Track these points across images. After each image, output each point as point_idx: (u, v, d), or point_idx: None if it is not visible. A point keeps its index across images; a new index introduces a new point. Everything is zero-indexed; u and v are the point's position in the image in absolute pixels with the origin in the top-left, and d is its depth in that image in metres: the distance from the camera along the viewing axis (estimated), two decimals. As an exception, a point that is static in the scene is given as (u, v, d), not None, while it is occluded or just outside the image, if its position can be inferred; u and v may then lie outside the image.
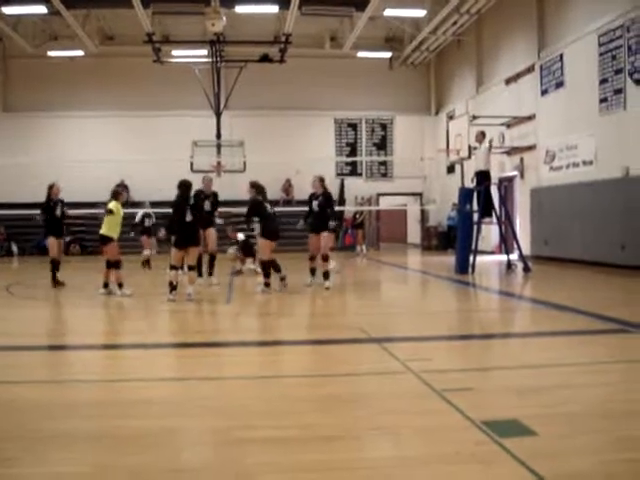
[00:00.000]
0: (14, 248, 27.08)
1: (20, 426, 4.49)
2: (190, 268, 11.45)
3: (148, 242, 18.70)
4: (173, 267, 11.19)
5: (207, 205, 13.62)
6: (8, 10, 21.72)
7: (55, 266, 13.67)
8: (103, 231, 12.19)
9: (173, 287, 11.01)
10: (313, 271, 13.32)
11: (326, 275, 12.86)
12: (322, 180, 13.29)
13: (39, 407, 4.96)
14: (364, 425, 4.49)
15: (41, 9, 21.63)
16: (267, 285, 12.28)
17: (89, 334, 8.40)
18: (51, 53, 26.94)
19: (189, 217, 11.27)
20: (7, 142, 27.57)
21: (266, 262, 12.37)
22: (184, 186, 11.48)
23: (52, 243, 13.84)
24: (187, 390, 5.53)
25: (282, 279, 12.62)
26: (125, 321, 10.03)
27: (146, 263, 18.03)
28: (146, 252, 18.34)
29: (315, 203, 13.06)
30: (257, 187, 12.66)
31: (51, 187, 14.05)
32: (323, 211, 13.01)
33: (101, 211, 13.70)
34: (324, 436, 4.19)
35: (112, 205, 12.18)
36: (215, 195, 14.34)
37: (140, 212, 19.22)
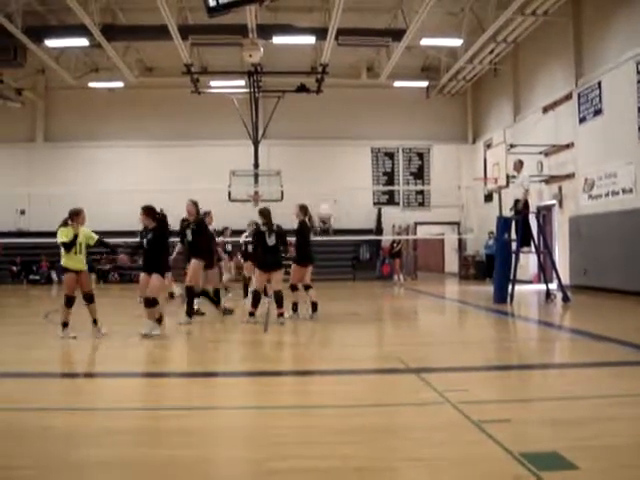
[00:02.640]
0: (54, 276, 27.44)
1: (52, 454, 4.50)
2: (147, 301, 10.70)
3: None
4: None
5: (272, 239, 12.31)
6: (51, 43, 22.19)
7: (193, 295, 13.03)
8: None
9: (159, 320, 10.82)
10: (295, 305, 13.03)
11: (314, 307, 12.66)
12: (302, 208, 13.03)
13: (71, 435, 5.00)
14: (401, 456, 4.46)
15: (83, 42, 22.04)
16: (252, 315, 12.04)
17: (122, 362, 8.43)
18: (92, 84, 27.41)
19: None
20: (48, 171, 28.08)
21: (254, 291, 12.20)
22: (164, 220, 11.01)
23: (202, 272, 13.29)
24: (221, 420, 5.53)
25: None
26: (158, 350, 10.04)
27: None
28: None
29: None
30: (262, 215, 12.39)
31: (208, 214, 13.95)
32: (298, 241, 12.97)
33: (136, 240, 13.60)
34: (360, 467, 4.16)
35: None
36: (279, 228, 12.80)
37: None
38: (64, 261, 10.57)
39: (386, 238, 27.93)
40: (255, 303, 12.08)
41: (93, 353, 9.28)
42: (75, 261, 10.52)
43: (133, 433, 5.02)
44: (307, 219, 12.99)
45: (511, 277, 15.87)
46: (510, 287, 15.74)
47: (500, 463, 4.14)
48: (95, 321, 10.54)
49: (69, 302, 10.38)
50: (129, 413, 5.74)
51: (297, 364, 8.48)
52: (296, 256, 12.93)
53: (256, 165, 26.24)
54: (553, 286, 16.86)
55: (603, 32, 18.89)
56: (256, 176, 25.62)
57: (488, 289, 18.18)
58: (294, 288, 12.97)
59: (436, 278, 31.52)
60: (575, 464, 4.05)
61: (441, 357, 8.72)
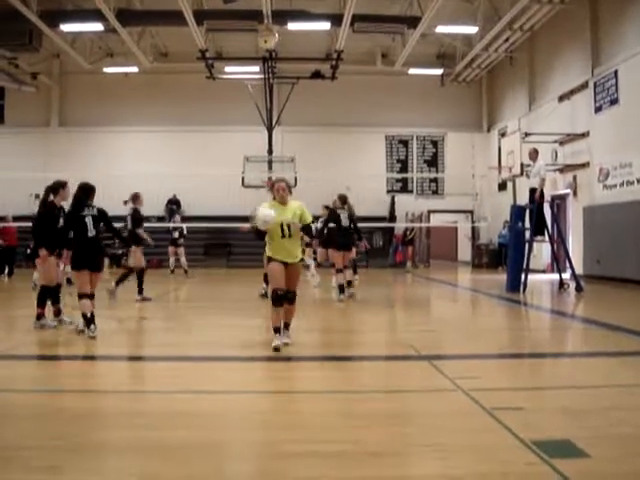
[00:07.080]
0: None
1: (68, 435, 4.53)
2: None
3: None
4: None
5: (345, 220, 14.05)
6: (66, 28, 22.24)
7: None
8: None
9: None
10: None
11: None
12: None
13: (87, 416, 5.05)
14: (413, 442, 4.48)
15: (97, 26, 22.10)
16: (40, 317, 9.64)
17: (146, 345, 8.47)
18: (106, 69, 27.50)
19: None
20: (62, 156, 28.07)
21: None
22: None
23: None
24: (239, 403, 5.55)
25: None
26: (184, 333, 10.07)
27: None
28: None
29: None
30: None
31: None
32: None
33: (154, 225, 13.70)
34: (373, 452, 4.18)
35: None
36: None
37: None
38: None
39: (399, 226, 27.89)
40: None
41: (110, 334, 9.25)
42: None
43: (147, 415, 5.04)
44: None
45: (524, 266, 15.83)
46: (523, 276, 15.71)
47: (512, 450, 4.15)
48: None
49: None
50: (143, 396, 5.78)
51: (310, 350, 8.45)
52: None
53: (270, 151, 26.29)
54: (566, 275, 16.83)
55: (620, 21, 18.74)
56: (270, 162, 25.68)
57: (501, 278, 18.16)
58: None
59: (449, 266, 31.46)
60: (586, 452, 4.06)
61: (453, 344, 8.73)
